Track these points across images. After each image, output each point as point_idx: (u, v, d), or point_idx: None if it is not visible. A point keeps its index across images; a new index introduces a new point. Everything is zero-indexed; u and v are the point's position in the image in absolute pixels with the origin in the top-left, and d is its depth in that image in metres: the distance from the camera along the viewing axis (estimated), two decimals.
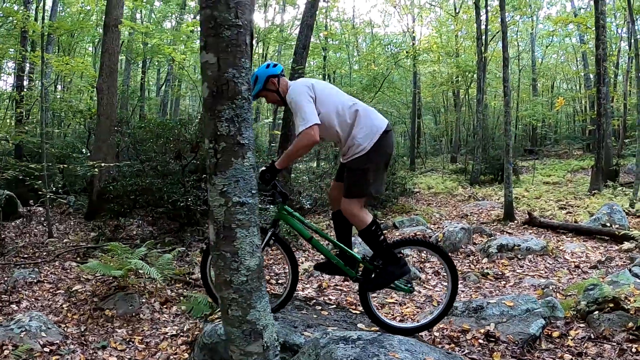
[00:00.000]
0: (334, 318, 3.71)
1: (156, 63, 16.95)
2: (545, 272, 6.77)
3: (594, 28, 12.98)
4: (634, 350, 3.58)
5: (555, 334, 4.10)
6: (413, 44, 24.91)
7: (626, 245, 7.08)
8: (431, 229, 9.44)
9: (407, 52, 22.85)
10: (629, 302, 4.08)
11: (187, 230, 7.76)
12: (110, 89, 8.59)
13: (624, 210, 8.97)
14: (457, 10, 23.77)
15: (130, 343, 4.00)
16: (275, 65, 3.15)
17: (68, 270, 5.97)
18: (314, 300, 4.07)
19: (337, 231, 3.53)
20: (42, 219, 8.57)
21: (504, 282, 6.47)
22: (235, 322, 1.59)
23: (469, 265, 7.27)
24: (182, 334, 4.21)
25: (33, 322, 3.85)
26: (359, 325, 3.60)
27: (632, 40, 11.60)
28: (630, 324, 3.84)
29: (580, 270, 6.71)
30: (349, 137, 3.08)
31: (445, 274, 3.59)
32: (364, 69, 21.67)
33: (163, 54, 12.17)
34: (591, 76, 21.60)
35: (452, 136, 29.42)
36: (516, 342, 3.90)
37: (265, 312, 1.67)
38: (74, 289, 5.17)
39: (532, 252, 7.43)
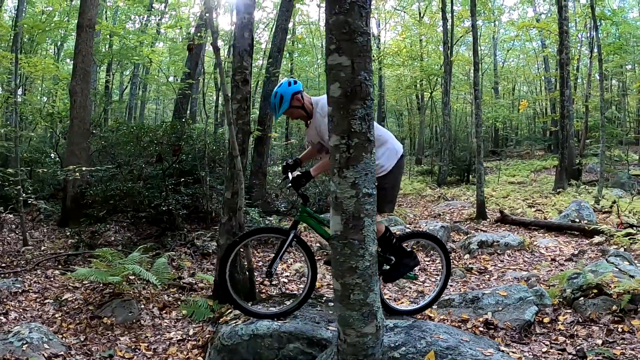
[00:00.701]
0: None
1: (119, 66, 16.43)
2: (525, 266, 7.09)
3: (556, 33, 13.64)
4: (619, 330, 3.87)
5: (546, 319, 4.38)
6: (378, 47, 25.28)
7: (596, 239, 7.50)
8: (409, 228, 9.64)
9: (373, 56, 23.20)
10: (611, 288, 4.38)
11: (168, 235, 7.61)
12: (83, 91, 8.31)
13: (591, 207, 9.47)
14: (421, 15, 24.30)
15: (137, 350, 3.90)
16: (295, 82, 3.33)
17: (52, 279, 5.73)
18: (325, 297, 4.17)
19: None
20: (14, 226, 8.17)
21: (488, 276, 6.73)
22: (356, 305, 1.67)
23: (453, 262, 7.49)
24: (189, 338, 4.14)
25: (34, 334, 3.69)
26: None
27: (596, 46, 12.23)
28: (614, 307, 4.14)
29: (557, 262, 7.07)
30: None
31: (440, 259, 4.01)
32: None
33: (131, 56, 11.87)
34: (552, 79, 22.68)
35: (416, 138, 30.04)
36: (514, 328, 4.18)
37: (378, 295, 1.74)
38: (63, 297, 4.97)
39: (510, 248, 7.74)
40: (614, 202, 9.57)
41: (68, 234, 7.58)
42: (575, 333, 4.04)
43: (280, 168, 13.87)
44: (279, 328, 3.36)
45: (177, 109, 11.81)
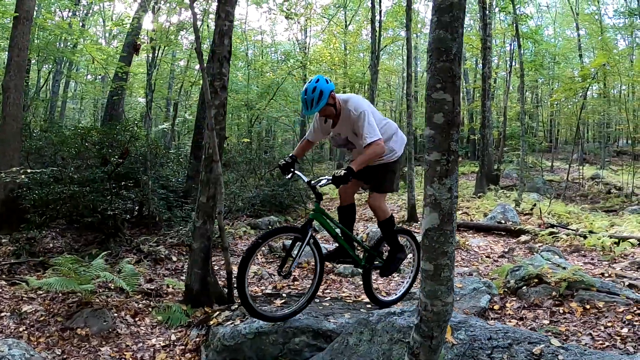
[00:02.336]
0: (337, 307, 4.04)
1: (38, 61, 15.16)
2: (464, 262, 7.77)
3: (478, 48, 14.88)
4: (561, 311, 4.54)
5: (496, 307, 5.00)
6: (305, 53, 25.76)
7: (523, 237, 8.42)
8: (355, 230, 10.04)
9: (300, 62, 23.59)
10: (549, 277, 5.07)
11: (112, 241, 7.32)
12: (17, 87, 7.67)
13: (514, 209, 10.54)
14: (347, 24, 25.13)
15: None
16: (329, 81, 3.43)
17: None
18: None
19: (343, 223, 3.92)
20: None
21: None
22: (444, 281, 2.07)
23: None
24: (174, 343, 4.12)
25: (14, 351, 3.46)
26: (362, 310, 4.00)
27: (518, 62, 13.54)
28: (554, 293, 4.83)
29: (491, 259, 7.84)
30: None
31: (413, 251, 4.33)
32: (257, 78, 21.91)
33: (61, 52, 11.05)
34: (470, 90, 24.64)
35: None
36: (473, 314, 4.71)
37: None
38: (23, 310, 4.66)
39: None
40: (534, 204, 10.74)
41: (3, 241, 6.99)
42: (524, 316, 4.65)
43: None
44: (284, 324, 3.51)
45: (109, 109, 11.26)
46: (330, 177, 3.38)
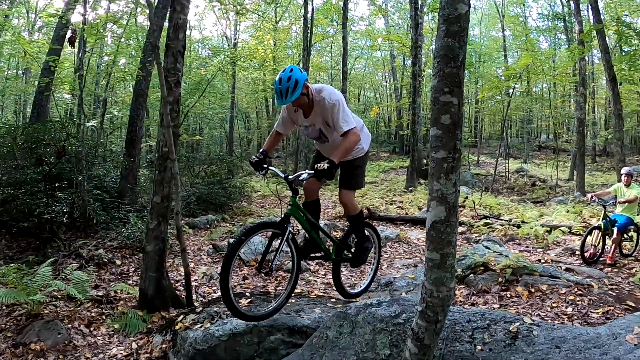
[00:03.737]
0: (304, 303, 4.08)
1: None
2: (407, 255, 8.12)
3: (409, 46, 15.44)
4: (508, 296, 4.91)
5: None
6: (235, 48, 25.31)
7: (459, 229, 8.93)
8: (293, 226, 10.08)
9: (230, 58, 23.16)
10: (494, 265, 5.45)
11: (48, 246, 6.80)
12: None
13: None
14: (277, 20, 25.03)
15: None
16: (302, 70, 3.33)
17: None
18: (273, 293, 4.36)
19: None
20: None
21: (379, 265, 7.52)
22: (449, 268, 2.19)
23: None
24: (137, 351, 3.94)
25: None
26: (328, 304, 4.09)
27: None
28: (500, 279, 5.20)
29: None
30: None
31: (374, 242, 4.37)
32: (187, 74, 21.13)
33: None
34: (399, 87, 25.48)
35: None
36: None
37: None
38: None
39: (390, 240, 8.73)
40: (467, 197, 11.42)
41: None
42: (475, 302, 4.97)
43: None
44: (258, 323, 3.48)
45: (37, 106, 10.36)
46: (312, 172, 3.30)
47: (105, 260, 6.39)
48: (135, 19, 12.92)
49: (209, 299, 5.32)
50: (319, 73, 26.40)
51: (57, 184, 7.10)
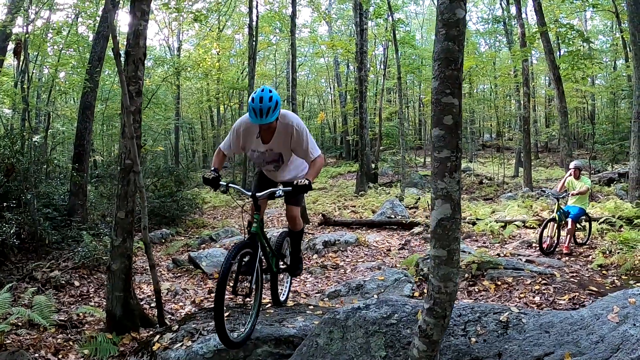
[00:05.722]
0: (284, 312, 4.04)
1: None
2: (369, 257, 8.23)
3: (353, 52, 15.72)
4: (477, 290, 5.14)
5: (417, 293, 5.47)
6: (179, 57, 24.73)
7: (416, 229, 9.20)
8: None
9: (175, 68, 22.60)
10: (460, 261, 5.66)
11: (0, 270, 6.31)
12: None
13: (402, 204, 11.40)
14: (220, 29, 24.73)
15: None
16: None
17: None
18: (249, 304, 4.26)
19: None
20: None
21: (344, 270, 7.60)
22: (455, 263, 2.26)
23: (306, 261, 8.12)
24: None
25: None
26: (307, 311, 4.08)
27: (397, 66, 14.62)
28: (467, 275, 5.45)
29: (392, 252, 8.41)
30: (301, 164, 3.79)
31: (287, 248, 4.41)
32: None
33: None
34: (344, 93, 25.82)
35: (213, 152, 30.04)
36: None
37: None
38: None
39: (350, 244, 8.82)
40: (419, 198, 11.76)
41: None
42: None
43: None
44: None
45: None
46: (289, 188, 3.32)
47: (63, 282, 6.00)
48: (77, 29, 12.31)
49: (180, 315, 5.14)
50: (264, 81, 26.31)
51: (4, 203, 6.63)
